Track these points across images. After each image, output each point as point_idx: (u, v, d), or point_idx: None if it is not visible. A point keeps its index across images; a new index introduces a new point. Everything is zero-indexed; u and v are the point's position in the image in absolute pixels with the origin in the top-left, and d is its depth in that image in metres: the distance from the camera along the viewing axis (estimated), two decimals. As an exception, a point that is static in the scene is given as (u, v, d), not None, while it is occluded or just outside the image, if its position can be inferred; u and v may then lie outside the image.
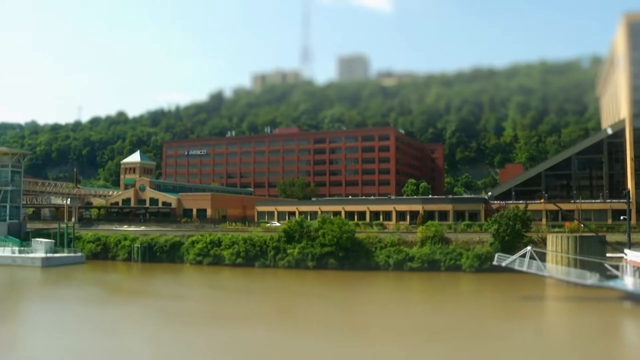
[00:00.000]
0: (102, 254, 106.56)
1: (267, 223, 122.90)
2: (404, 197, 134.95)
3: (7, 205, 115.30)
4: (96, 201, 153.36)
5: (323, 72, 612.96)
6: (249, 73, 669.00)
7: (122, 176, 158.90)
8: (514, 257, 64.11)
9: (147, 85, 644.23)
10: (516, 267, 63.26)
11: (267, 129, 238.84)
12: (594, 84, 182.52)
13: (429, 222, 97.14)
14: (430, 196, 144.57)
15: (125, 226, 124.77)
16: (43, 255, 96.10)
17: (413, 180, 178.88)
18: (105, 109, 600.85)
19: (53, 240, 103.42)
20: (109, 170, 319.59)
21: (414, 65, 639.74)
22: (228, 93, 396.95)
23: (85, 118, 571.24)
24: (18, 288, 76.66)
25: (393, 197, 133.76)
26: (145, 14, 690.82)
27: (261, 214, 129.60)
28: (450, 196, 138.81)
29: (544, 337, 46.81)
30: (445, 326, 50.07)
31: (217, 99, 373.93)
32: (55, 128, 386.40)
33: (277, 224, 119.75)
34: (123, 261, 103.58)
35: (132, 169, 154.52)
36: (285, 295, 71.20)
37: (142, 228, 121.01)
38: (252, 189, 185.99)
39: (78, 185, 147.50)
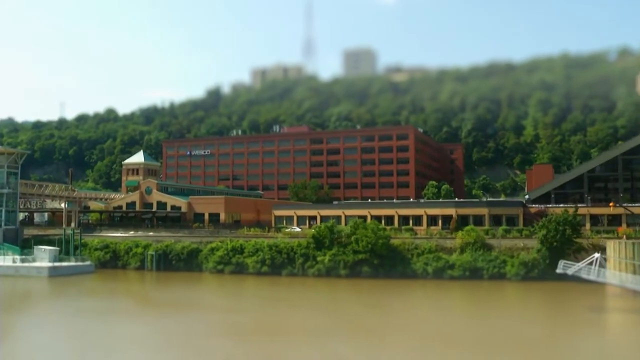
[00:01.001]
0: (112, 262, 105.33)
1: (286, 228, 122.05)
2: (436, 200, 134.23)
3: (2, 209, 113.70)
4: (93, 205, 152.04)
5: (327, 66, 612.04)
6: (248, 67, 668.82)
7: (124, 178, 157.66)
8: (580, 264, 63.28)
9: (135, 81, 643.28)
10: (583, 275, 62.39)
11: (276, 128, 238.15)
12: (627, 78, 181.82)
13: (469, 227, 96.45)
14: (464, 199, 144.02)
15: (132, 232, 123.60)
16: (49, 264, 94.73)
17: (434, 183, 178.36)
18: (91, 106, 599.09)
19: (58, 248, 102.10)
20: (98, 171, 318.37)
21: (424, 60, 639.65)
22: (226, 89, 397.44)
23: (69, 115, 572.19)
24: (34, 300, 75.38)
25: (423, 200, 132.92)
26: (132, 2, 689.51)
27: (279, 219, 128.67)
28: (485, 199, 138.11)
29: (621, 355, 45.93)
30: (519, 340, 49.18)
31: (214, 96, 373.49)
32: (38, 126, 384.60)
33: (298, 229, 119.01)
34: (135, 270, 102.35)
35: (135, 170, 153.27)
36: (339, 305, 70.26)
37: (151, 234, 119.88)
38: (261, 192, 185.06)
39: (73, 188, 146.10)
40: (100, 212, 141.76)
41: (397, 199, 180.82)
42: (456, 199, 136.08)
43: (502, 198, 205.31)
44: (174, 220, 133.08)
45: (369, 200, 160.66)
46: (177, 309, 66.31)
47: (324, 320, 59.01)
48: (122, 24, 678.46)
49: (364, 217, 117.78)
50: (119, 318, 59.29)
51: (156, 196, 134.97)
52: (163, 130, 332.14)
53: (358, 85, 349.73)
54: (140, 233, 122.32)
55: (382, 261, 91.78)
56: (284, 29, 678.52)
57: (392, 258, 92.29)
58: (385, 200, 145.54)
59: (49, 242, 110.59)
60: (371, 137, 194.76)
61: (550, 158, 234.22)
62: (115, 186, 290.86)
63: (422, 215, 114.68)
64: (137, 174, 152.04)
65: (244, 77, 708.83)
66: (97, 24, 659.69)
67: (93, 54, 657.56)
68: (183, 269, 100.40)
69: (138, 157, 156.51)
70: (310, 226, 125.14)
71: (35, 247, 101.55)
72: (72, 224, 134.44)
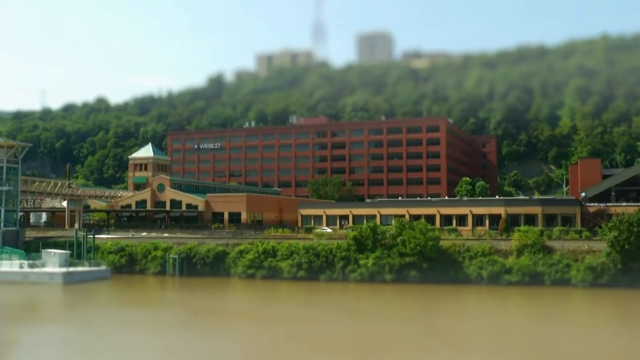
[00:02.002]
0: (128, 267, 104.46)
1: (315, 228, 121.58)
2: (482, 198, 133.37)
3: (1, 209, 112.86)
4: (93, 204, 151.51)
5: (339, 52, 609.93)
6: (252, 53, 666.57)
7: (130, 174, 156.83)
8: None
9: (124, 67, 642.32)
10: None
11: (292, 119, 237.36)
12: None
13: (526, 228, 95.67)
14: (514, 197, 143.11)
15: (144, 233, 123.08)
16: (63, 269, 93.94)
17: (467, 179, 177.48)
18: (77, 95, 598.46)
19: (69, 252, 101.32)
20: (89, 166, 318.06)
21: (446, 44, 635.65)
22: (229, 77, 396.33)
23: (53, 105, 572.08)
24: (61, 310, 74.68)
25: (466, 198, 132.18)
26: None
27: (306, 218, 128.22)
28: (536, 197, 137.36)
29: None
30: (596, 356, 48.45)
31: (216, 84, 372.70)
32: (19, 116, 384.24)
33: (328, 230, 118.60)
34: (154, 275, 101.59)
35: (143, 165, 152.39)
36: (410, 313, 70.07)
37: (166, 235, 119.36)
38: (278, 189, 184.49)
39: (72, 185, 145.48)
40: (107, 212, 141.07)
41: (427, 196, 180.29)
42: (505, 197, 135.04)
43: (536, 196, 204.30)
44: (189, 220, 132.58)
45: (400, 197, 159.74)
46: (240, 319, 65.85)
47: (411, 331, 58.76)
48: (107, 2, 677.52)
49: (402, 217, 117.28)
50: (187, 331, 57.93)
51: (169, 194, 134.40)
52: (161, 122, 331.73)
53: (374, 73, 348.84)
54: (153, 234, 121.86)
55: (432, 265, 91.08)
56: (291, 11, 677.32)
57: (443, 261, 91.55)
58: (428, 198, 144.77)
59: (55, 245, 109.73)
60: (398, 129, 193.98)
61: (590, 152, 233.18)
62: (108, 183, 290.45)
63: (467, 215, 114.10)
64: (146, 169, 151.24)
65: (248, 63, 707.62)
66: (78, 2, 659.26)
67: (75, 37, 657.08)
68: (208, 274, 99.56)
69: (146, 151, 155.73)
70: (341, 226, 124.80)
71: (43, 250, 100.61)
72: (76, 225, 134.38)
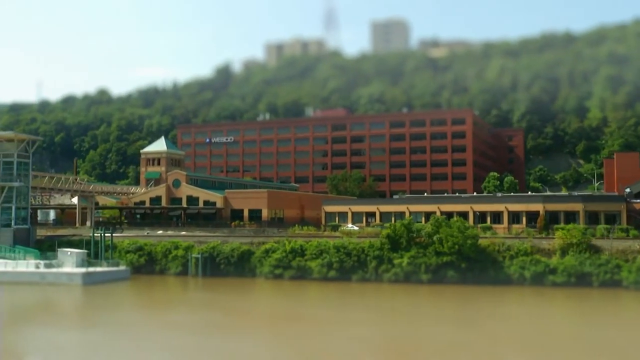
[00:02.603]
0: (147, 266, 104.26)
1: (340, 226, 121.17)
2: (519, 194, 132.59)
3: (12, 206, 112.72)
4: (101, 200, 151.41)
5: (352, 41, 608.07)
6: (261, 42, 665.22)
7: (142, 169, 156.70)
8: None
9: (125, 57, 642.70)
10: None
11: (309, 111, 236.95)
12: None
13: (571, 226, 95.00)
14: (555, 193, 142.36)
15: (160, 232, 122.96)
16: (82, 270, 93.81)
17: (495, 174, 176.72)
18: (75, 86, 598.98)
19: (86, 251, 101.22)
20: (91, 161, 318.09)
21: (465, 32, 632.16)
22: (237, 67, 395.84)
23: (51, 96, 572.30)
24: (94, 313, 74.56)
25: (500, 194, 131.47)
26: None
27: (330, 215, 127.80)
28: (576, 193, 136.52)
29: None
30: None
31: (224, 75, 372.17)
32: (15, 108, 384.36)
33: (355, 228, 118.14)
34: (176, 276, 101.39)
35: (155, 159, 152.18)
36: (458, 315, 69.56)
37: (183, 233, 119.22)
38: (296, 185, 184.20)
39: (79, 180, 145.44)
40: (120, 209, 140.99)
41: (452, 192, 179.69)
42: (544, 194, 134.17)
43: (564, 191, 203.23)
44: (207, 217, 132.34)
45: (426, 193, 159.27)
46: (283, 322, 65.66)
47: (467, 335, 58.44)
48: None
49: (432, 213, 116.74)
50: (235, 335, 57.84)
51: (186, 190, 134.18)
52: (166, 114, 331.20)
53: (390, 62, 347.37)
54: (170, 232, 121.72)
55: (470, 265, 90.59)
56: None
57: (482, 261, 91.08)
58: (461, 194, 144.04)
59: (70, 244, 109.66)
60: (421, 121, 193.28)
61: (622, 145, 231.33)
62: (111, 178, 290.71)
63: (502, 212, 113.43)
64: (159, 164, 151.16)
65: (257, 53, 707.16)
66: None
67: (71, 25, 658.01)
68: (233, 274, 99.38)
69: (159, 145, 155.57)
70: (367, 224, 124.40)
71: (59, 250, 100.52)
72: (88, 223, 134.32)
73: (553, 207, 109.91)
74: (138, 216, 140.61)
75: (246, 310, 74.01)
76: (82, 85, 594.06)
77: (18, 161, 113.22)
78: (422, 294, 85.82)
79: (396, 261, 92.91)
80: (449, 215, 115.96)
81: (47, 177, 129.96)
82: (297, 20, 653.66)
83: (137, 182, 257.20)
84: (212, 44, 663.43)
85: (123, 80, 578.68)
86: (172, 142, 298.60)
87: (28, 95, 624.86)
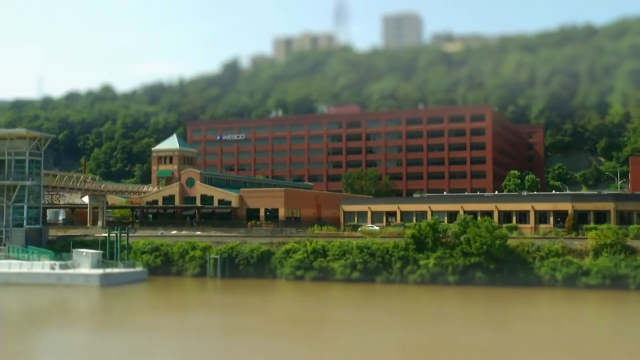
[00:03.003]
0: (163, 267, 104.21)
1: (360, 225, 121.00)
2: (546, 193, 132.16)
3: (24, 205, 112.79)
4: (111, 199, 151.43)
5: (363, 35, 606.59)
6: (269, 37, 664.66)
7: (154, 167, 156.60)
8: None
9: (126, 52, 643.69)
10: None
11: (323, 108, 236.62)
12: None
13: (606, 226, 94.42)
14: (583, 192, 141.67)
15: (174, 231, 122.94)
16: (99, 271, 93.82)
17: (516, 172, 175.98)
18: (77, 83, 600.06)
19: (101, 252, 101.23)
20: (96, 159, 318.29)
21: (480, 26, 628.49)
22: (245, 62, 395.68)
23: (54, 93, 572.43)
24: (121, 316, 74.42)
25: (525, 193, 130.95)
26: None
27: (349, 215, 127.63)
28: (606, 192, 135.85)
29: None
30: None
31: (231, 70, 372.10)
32: (17, 105, 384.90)
33: (375, 227, 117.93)
34: (193, 277, 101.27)
35: (167, 157, 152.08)
36: (499, 319, 69.15)
37: (198, 233, 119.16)
38: (310, 184, 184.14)
39: (88, 179, 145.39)
40: (132, 208, 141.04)
41: (471, 191, 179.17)
42: (572, 192, 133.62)
43: (584, 190, 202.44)
44: (222, 217, 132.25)
45: (445, 192, 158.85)
46: (322, 326, 65.58)
47: (511, 338, 58.54)
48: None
49: (455, 213, 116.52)
50: (276, 339, 57.80)
51: (200, 189, 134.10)
52: (172, 111, 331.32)
53: (403, 57, 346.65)
54: (185, 232, 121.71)
55: (499, 266, 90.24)
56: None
57: (511, 262, 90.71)
58: (482, 193, 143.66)
59: (83, 244, 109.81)
60: (439, 118, 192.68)
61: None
62: (116, 177, 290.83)
63: (528, 211, 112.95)
64: (171, 162, 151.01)
65: (266, 48, 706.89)
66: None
67: (72, 20, 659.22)
68: (252, 275, 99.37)
69: (171, 143, 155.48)
70: (388, 223, 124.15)
71: (74, 250, 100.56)
72: (99, 222, 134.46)
73: (582, 206, 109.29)
74: (150, 216, 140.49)
75: (271, 313, 73.94)
76: (84, 81, 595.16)
77: (30, 159, 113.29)
78: (450, 296, 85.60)
79: (422, 262, 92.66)
80: (473, 214, 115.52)
81: (57, 176, 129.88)
82: (306, 14, 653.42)
83: (143, 181, 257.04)
84: (218, 39, 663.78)
85: (126, 76, 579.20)
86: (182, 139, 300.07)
87: (28, 91, 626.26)
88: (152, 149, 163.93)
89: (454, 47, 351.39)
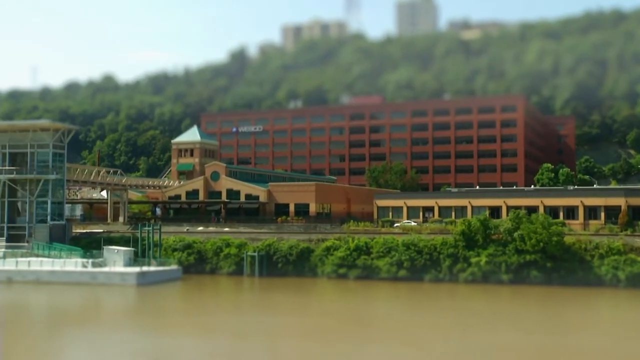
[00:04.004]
0: (197, 265, 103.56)
1: (394, 222, 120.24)
2: (596, 187, 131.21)
3: (48, 200, 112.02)
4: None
5: (376, 22, 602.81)
6: (277, 24, 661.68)
7: (173, 160, 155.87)
8: None
9: (130, 42, 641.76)
10: None
11: (344, 98, 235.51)
12: None
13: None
14: (637, 186, 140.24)
15: (201, 228, 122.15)
16: (136, 269, 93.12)
17: (549, 166, 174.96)
18: (76, 72, 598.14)
19: (133, 249, 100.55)
20: (98, 152, 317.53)
21: (498, 13, 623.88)
22: (253, 51, 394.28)
23: (52, 83, 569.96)
24: (188, 318, 73.70)
25: (572, 187, 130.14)
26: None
27: (383, 210, 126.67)
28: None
29: None
30: None
31: (239, 60, 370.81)
32: (15, 95, 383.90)
33: (413, 223, 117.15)
34: (229, 275, 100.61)
35: (188, 150, 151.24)
36: (587, 322, 68.28)
37: (226, 229, 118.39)
38: (333, 177, 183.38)
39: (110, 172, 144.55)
40: (154, 203, 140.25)
41: (502, 185, 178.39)
42: (625, 186, 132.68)
43: (613, 184, 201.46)
44: (248, 212, 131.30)
45: (478, 186, 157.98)
46: (399, 326, 64.78)
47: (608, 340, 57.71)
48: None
49: (498, 208, 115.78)
50: (374, 343, 56.86)
51: (225, 183, 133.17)
52: (178, 102, 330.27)
53: (418, 45, 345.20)
54: (211, 229, 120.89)
55: (556, 264, 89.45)
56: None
57: (568, 260, 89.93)
58: (531, 188, 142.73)
59: (110, 241, 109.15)
60: (467, 109, 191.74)
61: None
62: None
63: (577, 206, 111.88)
64: (192, 155, 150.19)
65: (274, 36, 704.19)
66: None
67: (67, 7, 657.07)
68: (292, 274, 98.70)
69: (192, 135, 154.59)
70: (425, 219, 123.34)
71: (104, 247, 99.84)
72: (120, 218, 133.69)
73: (637, 201, 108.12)
74: (171, 211, 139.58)
75: (331, 313, 72.99)
76: (81, 71, 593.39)
77: (54, 152, 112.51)
78: (511, 295, 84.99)
79: (473, 260, 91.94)
80: (517, 209, 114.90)
81: (78, 170, 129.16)
82: (316, 1, 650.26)
83: (149, 175, 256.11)
84: (223, 26, 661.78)
85: (127, 66, 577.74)
86: (177, 132, 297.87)
87: (23, 82, 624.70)
88: (172, 141, 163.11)
89: (472, 34, 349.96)
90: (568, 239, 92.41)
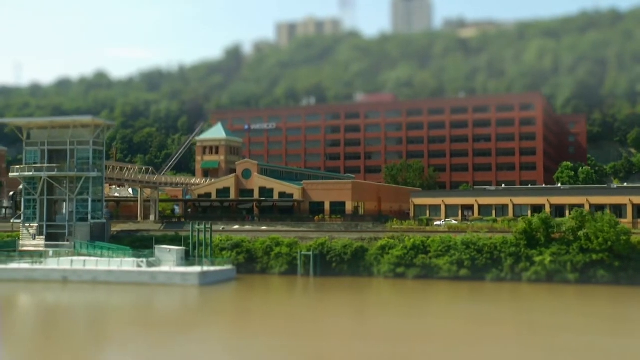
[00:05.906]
0: (247, 265, 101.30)
1: (432, 220, 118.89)
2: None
3: (88, 198, 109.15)
4: (148, 192, 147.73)
5: (370, 20, 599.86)
6: (271, 22, 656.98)
7: (198, 158, 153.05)
8: None
9: (119, 37, 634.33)
10: None
11: (357, 96, 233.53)
12: None
13: None
14: None
15: (236, 226, 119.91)
16: (198, 269, 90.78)
17: (569, 164, 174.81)
18: (64, 69, 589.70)
19: (185, 248, 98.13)
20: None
21: (492, 12, 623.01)
22: (247, 48, 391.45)
23: (42, 79, 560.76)
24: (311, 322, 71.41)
25: (615, 185, 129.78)
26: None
27: (420, 208, 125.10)
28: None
29: None
30: None
31: (234, 57, 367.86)
32: (4, 92, 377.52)
33: (453, 222, 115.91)
34: (281, 275, 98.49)
35: (213, 148, 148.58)
36: None
37: (264, 228, 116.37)
38: (352, 175, 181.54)
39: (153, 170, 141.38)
40: (185, 202, 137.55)
41: (521, 183, 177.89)
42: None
43: (615, 184, 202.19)
44: (282, 210, 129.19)
45: (503, 185, 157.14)
46: (504, 327, 63.77)
47: None
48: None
49: (540, 206, 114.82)
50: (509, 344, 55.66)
51: (258, 181, 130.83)
52: (174, 99, 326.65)
53: (417, 43, 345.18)
54: (247, 227, 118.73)
55: (623, 263, 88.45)
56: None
57: (636, 260, 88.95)
58: (576, 186, 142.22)
59: (146, 240, 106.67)
60: (485, 107, 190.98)
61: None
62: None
63: (625, 205, 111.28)
64: (217, 152, 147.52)
65: (268, 33, 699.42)
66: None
67: (53, 4, 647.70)
68: (347, 273, 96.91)
69: (217, 132, 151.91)
70: (464, 218, 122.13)
71: (156, 247, 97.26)
72: (151, 217, 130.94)
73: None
74: (201, 209, 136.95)
75: (477, 316, 70.84)
76: (72, 67, 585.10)
77: (94, 149, 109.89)
78: (574, 295, 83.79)
79: (536, 259, 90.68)
80: (560, 208, 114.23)
81: (117, 168, 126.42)
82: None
83: (146, 173, 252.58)
84: (215, 23, 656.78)
85: (119, 62, 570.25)
86: (175, 130, 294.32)
87: (7, 78, 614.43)
88: (197, 138, 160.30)
89: (470, 32, 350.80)
90: (634, 238, 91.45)
